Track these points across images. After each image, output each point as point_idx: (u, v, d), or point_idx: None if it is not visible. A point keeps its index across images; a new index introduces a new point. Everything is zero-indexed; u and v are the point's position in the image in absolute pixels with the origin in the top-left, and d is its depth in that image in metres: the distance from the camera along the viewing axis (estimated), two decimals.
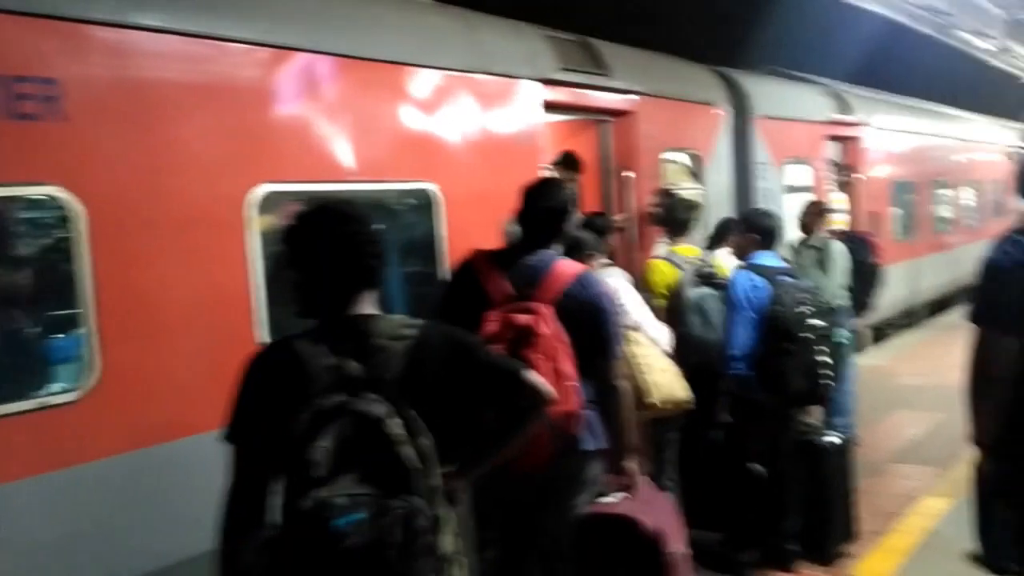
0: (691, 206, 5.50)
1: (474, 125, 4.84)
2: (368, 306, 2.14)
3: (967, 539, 4.23)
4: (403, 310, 4.40)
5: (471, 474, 2.28)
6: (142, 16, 3.38)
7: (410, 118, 4.50)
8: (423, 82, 4.56)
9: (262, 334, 3.67)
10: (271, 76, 3.87)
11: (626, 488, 3.25)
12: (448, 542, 1.94)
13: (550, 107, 5.37)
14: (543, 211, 3.23)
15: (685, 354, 4.39)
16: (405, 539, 1.81)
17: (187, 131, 3.53)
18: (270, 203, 3.79)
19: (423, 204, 4.54)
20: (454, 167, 4.69)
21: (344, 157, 4.14)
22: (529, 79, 5.16)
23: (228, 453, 2.07)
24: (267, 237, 3.81)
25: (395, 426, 1.86)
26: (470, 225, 4.57)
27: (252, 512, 1.94)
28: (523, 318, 2.97)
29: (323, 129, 4.06)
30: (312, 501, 1.79)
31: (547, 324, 2.96)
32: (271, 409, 1.97)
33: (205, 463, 3.29)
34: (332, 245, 2.09)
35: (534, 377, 2.29)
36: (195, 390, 3.38)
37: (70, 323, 3.18)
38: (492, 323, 2.99)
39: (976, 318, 2.56)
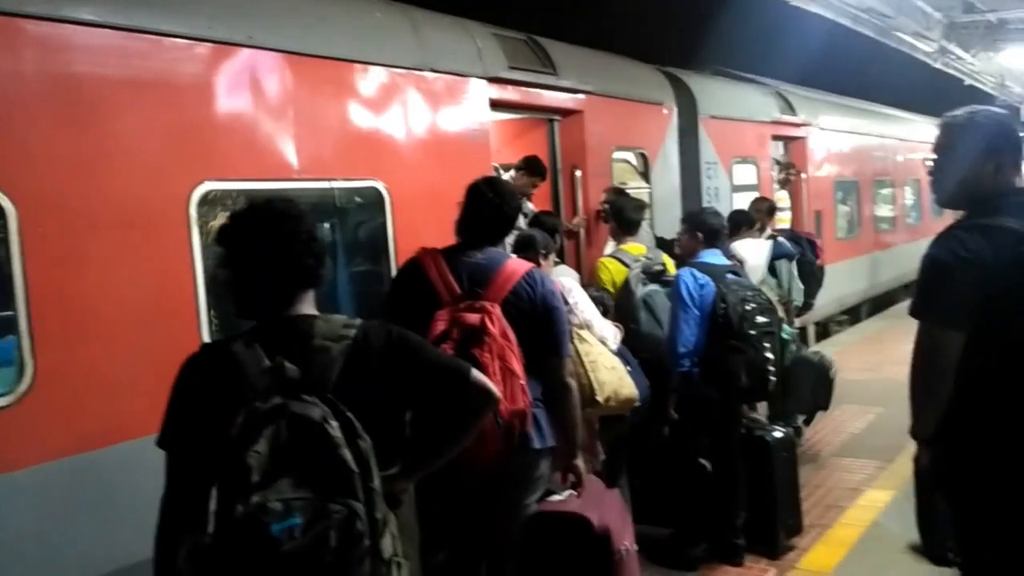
0: (641, 206, 5.56)
1: (422, 123, 4.81)
2: (307, 306, 2.11)
3: (908, 530, 4.34)
4: (353, 309, 4.37)
5: (416, 475, 2.25)
6: (76, 10, 3.28)
7: (357, 116, 4.46)
8: (370, 79, 4.52)
9: (208, 336, 3.60)
10: (214, 72, 3.79)
11: (574, 486, 3.26)
12: (388, 545, 1.91)
13: (498, 105, 5.37)
14: (490, 208, 3.22)
15: (634, 350, 4.43)
16: (342, 543, 1.78)
17: (126, 128, 3.44)
18: (215, 201, 3.72)
19: (372, 202, 4.50)
20: (402, 165, 4.66)
21: (291, 155, 4.07)
22: (477, 77, 5.15)
23: (164, 459, 2.02)
24: (212, 236, 3.73)
25: (333, 429, 1.83)
26: (419, 223, 4.54)
27: (188, 519, 1.90)
28: (472, 317, 2.96)
29: (270, 126, 4.00)
30: (246, 507, 1.73)
31: (496, 323, 2.95)
32: (207, 413, 1.92)
33: (149, 468, 3.24)
34: (269, 244, 2.04)
35: (480, 377, 2.28)
36: (138, 393, 3.29)
37: (1, 326, 3.08)
38: (441, 322, 2.98)
39: (920, 313, 2.60)
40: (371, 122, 4.52)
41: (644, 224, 6.00)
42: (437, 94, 4.90)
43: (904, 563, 4.29)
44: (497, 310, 2.99)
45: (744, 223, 6.36)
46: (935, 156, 2.76)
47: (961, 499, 2.71)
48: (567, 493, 3.28)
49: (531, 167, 5.98)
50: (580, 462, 3.24)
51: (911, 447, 2.79)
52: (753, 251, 6.12)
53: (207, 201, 3.66)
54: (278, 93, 4.04)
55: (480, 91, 5.18)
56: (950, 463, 2.67)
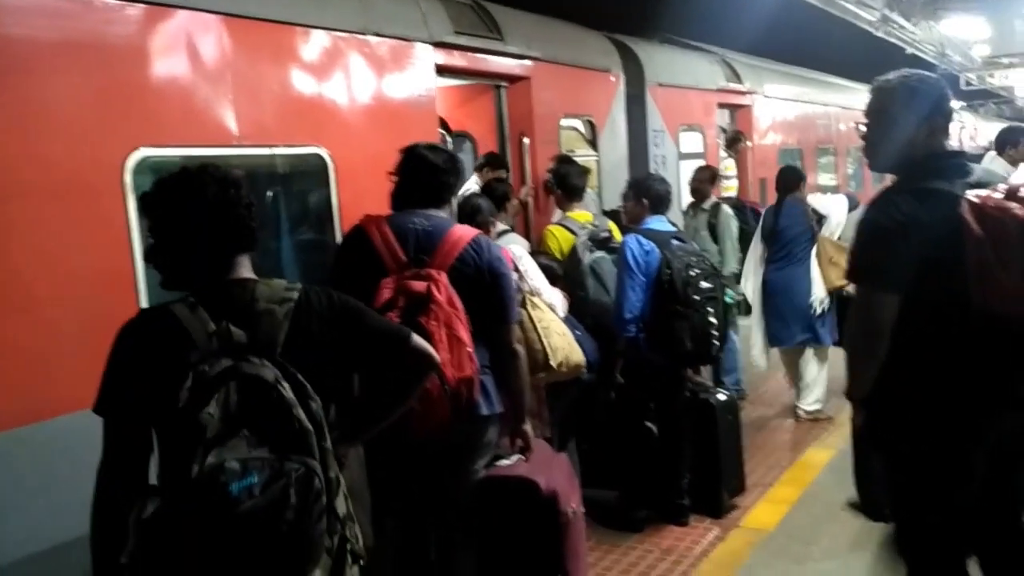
0: (584, 171, 5.57)
1: (366, 88, 4.73)
2: (245, 270, 2.09)
3: (847, 488, 4.49)
4: (297, 279, 4.28)
5: (357, 439, 2.27)
6: None
7: (299, 81, 4.35)
8: (312, 43, 4.41)
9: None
10: (148, 35, 3.66)
11: (522, 451, 3.28)
12: (341, 503, 1.94)
13: (444, 71, 5.30)
14: (431, 172, 3.20)
15: (581, 317, 4.46)
16: (301, 500, 1.79)
17: (55, 92, 3.31)
18: (152, 168, 3.61)
19: (315, 169, 4.41)
20: (347, 131, 4.58)
21: (231, 120, 3.97)
22: (422, 42, 5.07)
23: (103, 426, 1.97)
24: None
25: (285, 390, 1.84)
26: (364, 190, 4.47)
27: (129, 487, 1.89)
28: (418, 285, 2.95)
29: (208, 91, 3.88)
30: (202, 467, 1.73)
31: (443, 291, 2.94)
32: (150, 378, 1.90)
33: (82, 442, 3.16)
34: (208, 209, 2.00)
35: (420, 342, 2.29)
36: (73, 369, 3.20)
37: None
38: (387, 290, 2.96)
39: (856, 276, 2.65)
40: (313, 87, 4.42)
41: (590, 192, 6.03)
42: (381, 59, 4.81)
43: (842, 519, 4.44)
44: (444, 277, 2.97)
45: (802, 178, 6.72)
46: (867, 121, 2.79)
47: (894, 457, 2.80)
48: (515, 458, 3.31)
49: (493, 162, 6.07)
50: (528, 427, 3.27)
51: (850, 408, 2.86)
52: (836, 206, 6.30)
53: (143, 168, 3.56)
54: (217, 57, 3.93)
55: (425, 56, 5.10)
56: (884, 423, 2.75)
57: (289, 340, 1.98)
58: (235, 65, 4.02)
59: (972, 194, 2.37)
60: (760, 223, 6.66)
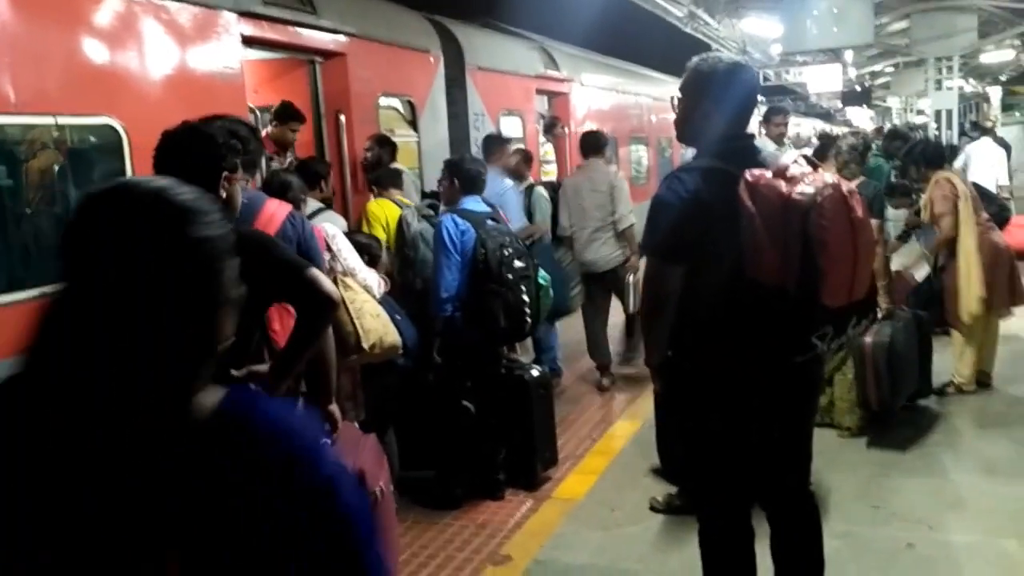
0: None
1: (165, 57, 4.45)
2: None
3: (651, 456, 4.73)
4: None
5: (283, 378, 2.37)
6: None
7: (88, 46, 4.04)
8: (104, 6, 4.10)
9: None
10: None
11: (327, 433, 3.22)
12: None
13: (252, 42, 5.09)
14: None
15: (409, 291, 4.50)
16: None
17: None
18: None
19: (106, 142, 4.11)
20: (143, 102, 4.29)
21: (5, 85, 3.62)
22: (227, 10, 4.83)
23: None
24: None
25: None
26: None
27: None
28: None
29: None
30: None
31: None
32: None
33: None
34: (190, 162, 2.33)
35: (316, 274, 2.40)
36: None
37: None
38: None
39: (647, 249, 2.79)
40: (104, 54, 4.11)
41: (408, 178, 6.01)
42: (181, 27, 4.54)
43: (646, 484, 4.67)
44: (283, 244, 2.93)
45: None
46: (680, 97, 2.92)
47: (685, 421, 2.98)
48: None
49: (283, 115, 5.79)
50: (335, 408, 3.21)
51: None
52: None
53: None
54: None
55: (231, 26, 4.87)
56: (676, 388, 2.92)
57: None
58: (12, 25, 3.67)
59: (748, 173, 2.54)
60: None
